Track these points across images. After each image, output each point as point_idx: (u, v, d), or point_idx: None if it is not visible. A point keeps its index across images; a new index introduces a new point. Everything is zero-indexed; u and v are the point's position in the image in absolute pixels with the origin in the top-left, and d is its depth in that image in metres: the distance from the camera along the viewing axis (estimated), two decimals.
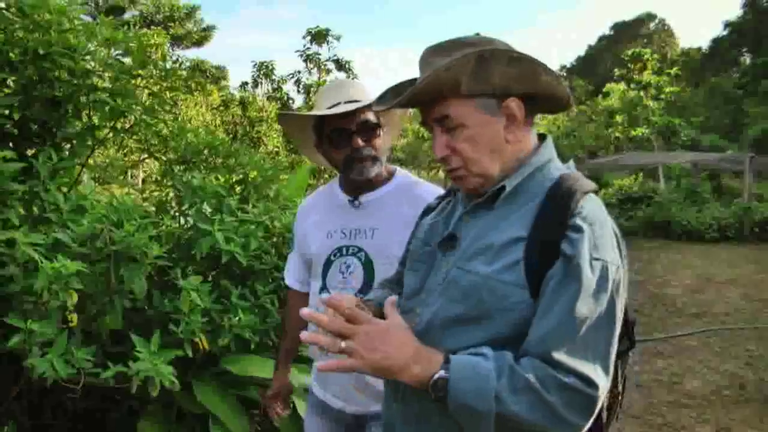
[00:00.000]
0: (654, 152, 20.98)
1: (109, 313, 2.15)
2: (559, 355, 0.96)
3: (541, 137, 1.20)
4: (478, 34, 1.13)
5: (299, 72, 14.82)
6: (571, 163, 1.23)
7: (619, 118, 24.04)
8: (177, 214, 2.70)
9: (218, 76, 25.71)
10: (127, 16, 25.41)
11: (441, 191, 1.84)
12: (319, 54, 14.55)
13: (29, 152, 2.51)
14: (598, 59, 52.19)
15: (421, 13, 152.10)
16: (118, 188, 3.79)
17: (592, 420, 0.98)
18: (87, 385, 1.94)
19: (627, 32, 53.92)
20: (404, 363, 0.99)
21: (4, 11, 2.32)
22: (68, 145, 2.66)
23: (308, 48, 14.54)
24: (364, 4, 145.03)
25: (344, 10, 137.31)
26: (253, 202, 2.87)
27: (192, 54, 27.78)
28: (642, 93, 23.83)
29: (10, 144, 2.44)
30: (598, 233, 1.01)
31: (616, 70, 28.86)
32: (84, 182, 2.88)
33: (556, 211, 1.04)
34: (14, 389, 1.92)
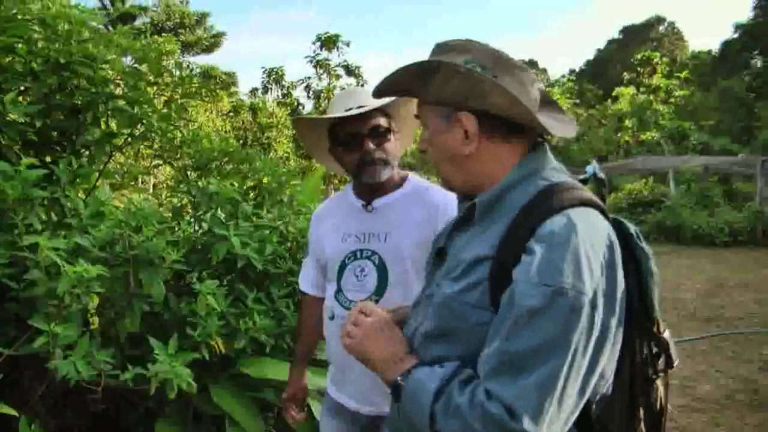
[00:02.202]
0: (664, 156, 20.90)
1: (128, 316, 2.20)
2: (490, 383, 0.93)
3: (538, 146, 1.14)
4: (469, 39, 1.12)
5: (309, 78, 14.92)
6: (592, 165, 1.20)
7: (628, 122, 24.00)
8: (192, 219, 2.74)
9: (228, 82, 25.88)
10: (137, 23, 25.68)
11: (452, 196, 1.87)
12: (329, 60, 14.64)
13: (48, 159, 2.57)
14: (608, 63, 52.04)
15: (430, 16, 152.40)
16: (130, 194, 3.85)
17: None
18: (106, 388, 1.98)
19: (636, 36, 53.75)
20: (379, 361, 1.10)
21: (26, 22, 2.38)
22: (86, 152, 2.72)
23: (318, 54, 14.64)
24: (373, 7, 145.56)
25: (354, 14, 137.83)
26: (267, 208, 2.91)
27: (202, 60, 28.00)
28: (652, 97, 23.78)
29: (31, 151, 2.49)
30: (555, 256, 0.92)
31: (625, 73, 28.83)
32: (100, 188, 2.94)
33: (520, 230, 0.99)
34: (38, 390, 1.96)
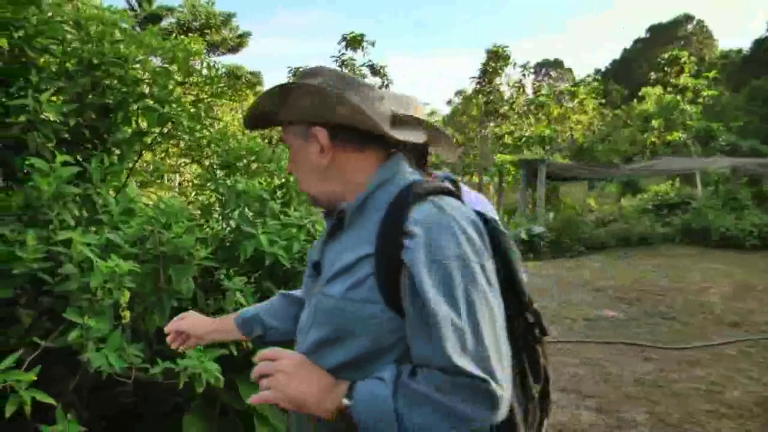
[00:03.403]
0: (691, 157, 20.57)
1: (157, 311, 2.24)
2: (445, 365, 0.98)
3: (393, 155, 1.23)
4: (320, 66, 1.22)
5: None
6: (441, 172, 1.29)
7: (655, 123, 23.64)
8: (220, 217, 2.78)
9: (253, 81, 26.08)
10: (164, 23, 26.00)
11: (477, 196, 1.88)
12: (354, 60, 14.71)
13: (80, 157, 2.62)
14: (634, 62, 51.34)
15: (451, 19, 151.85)
16: (156, 191, 3.90)
17: (499, 412, 0.99)
18: (135, 381, 2.02)
19: (663, 35, 52.97)
20: (314, 398, 1.06)
21: (61, 24, 2.44)
22: (117, 150, 2.78)
23: (343, 54, 14.72)
24: (397, 10, 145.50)
25: (378, 16, 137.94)
26: (294, 206, 2.94)
27: (228, 60, 28.25)
28: (679, 97, 23.38)
29: (63, 149, 2.55)
30: (434, 235, 1.02)
31: (652, 73, 28.39)
32: (129, 185, 2.99)
33: (394, 221, 1.07)
34: (72, 381, 2.01)
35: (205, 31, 26.80)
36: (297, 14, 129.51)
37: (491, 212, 1.86)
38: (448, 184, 1.18)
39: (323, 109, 1.14)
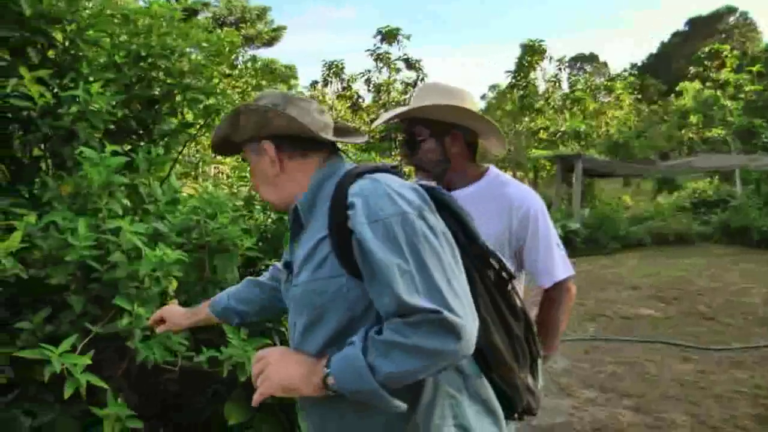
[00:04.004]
0: (730, 154, 20.00)
1: (201, 300, 2.27)
2: (399, 307, 1.04)
3: (333, 155, 1.36)
4: (264, 90, 1.38)
5: (369, 71, 15.04)
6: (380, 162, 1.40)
7: (693, 119, 23.07)
8: (262, 208, 2.81)
9: (288, 75, 26.27)
10: (199, 17, 26.31)
11: (530, 191, 1.87)
12: (389, 53, 14.71)
13: (126, 147, 2.67)
14: (672, 57, 50.12)
15: (491, 14, 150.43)
16: (193, 183, 3.96)
17: (464, 341, 1.03)
18: (180, 369, 2.05)
19: (704, 27, 51.52)
20: (301, 379, 1.16)
21: (111, 17, 2.48)
22: (162, 141, 2.82)
23: (378, 47, 14.72)
24: (432, 6, 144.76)
25: (413, 11, 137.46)
26: None
27: (263, 54, 28.48)
28: (719, 92, 22.75)
29: (110, 140, 2.59)
30: (371, 201, 1.12)
31: (691, 68, 27.72)
32: (172, 176, 3.03)
33: (338, 200, 1.18)
34: (121, 367, 2.06)
35: (240, 25, 27.05)
36: (331, 9, 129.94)
37: (535, 202, 1.84)
38: (388, 166, 1.29)
39: (264, 123, 1.29)
